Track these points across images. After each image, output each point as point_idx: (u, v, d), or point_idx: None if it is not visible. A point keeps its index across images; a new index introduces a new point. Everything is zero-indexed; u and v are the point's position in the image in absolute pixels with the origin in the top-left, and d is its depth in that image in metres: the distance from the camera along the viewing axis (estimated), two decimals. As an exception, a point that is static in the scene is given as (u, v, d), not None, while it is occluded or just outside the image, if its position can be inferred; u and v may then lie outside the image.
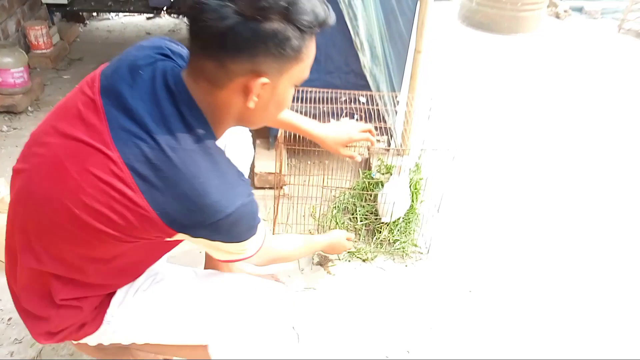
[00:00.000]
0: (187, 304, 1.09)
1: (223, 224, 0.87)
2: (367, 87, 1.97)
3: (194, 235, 0.89)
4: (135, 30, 3.89)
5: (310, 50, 0.90)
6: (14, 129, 2.51)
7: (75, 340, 1.09)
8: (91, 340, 1.08)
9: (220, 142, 0.95)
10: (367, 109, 1.86)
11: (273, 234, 1.90)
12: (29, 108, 2.68)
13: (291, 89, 0.95)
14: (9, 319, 1.53)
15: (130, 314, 1.07)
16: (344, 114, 1.84)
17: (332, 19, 0.87)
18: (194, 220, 0.86)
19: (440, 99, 3.03)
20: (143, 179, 0.83)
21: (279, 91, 0.92)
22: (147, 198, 0.83)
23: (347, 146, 1.54)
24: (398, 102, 2.09)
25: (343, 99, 1.86)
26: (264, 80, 0.85)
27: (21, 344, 1.46)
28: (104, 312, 1.05)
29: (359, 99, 1.90)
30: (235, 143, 1.30)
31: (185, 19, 0.86)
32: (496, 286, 1.79)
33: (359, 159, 1.58)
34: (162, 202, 0.83)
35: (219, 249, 0.96)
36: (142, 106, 0.86)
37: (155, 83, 0.88)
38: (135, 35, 3.81)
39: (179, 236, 0.90)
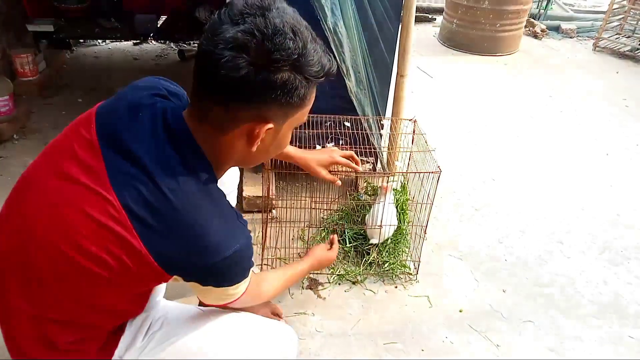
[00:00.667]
0: (200, 349, 1.06)
1: (219, 267, 0.88)
2: (353, 110, 2.00)
3: (188, 278, 0.90)
4: (122, 56, 3.91)
5: (312, 96, 0.93)
6: (0, 157, 2.49)
7: None
8: None
9: None
10: (352, 133, 1.89)
11: (262, 258, 1.90)
12: (15, 136, 2.67)
13: (291, 131, 0.99)
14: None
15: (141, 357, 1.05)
16: (329, 139, 1.87)
17: (335, 68, 0.91)
18: (190, 262, 0.86)
19: (423, 121, 3.08)
20: (140, 221, 0.83)
21: (281, 134, 0.95)
22: (143, 240, 0.82)
23: (330, 171, 1.57)
24: (382, 125, 2.12)
25: (328, 123, 1.89)
26: (269, 126, 0.88)
27: None
28: (112, 352, 1.02)
29: (344, 123, 1.93)
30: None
31: (193, 65, 0.86)
32: (486, 305, 1.81)
33: (339, 183, 1.60)
34: (159, 244, 0.83)
35: (209, 293, 0.97)
36: (142, 147, 0.86)
37: (155, 124, 0.89)
38: (122, 60, 3.83)
39: (172, 280, 0.90)
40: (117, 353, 1.03)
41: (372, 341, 1.64)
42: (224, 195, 0.94)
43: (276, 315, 1.62)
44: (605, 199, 2.46)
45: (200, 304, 1.32)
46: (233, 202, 1.54)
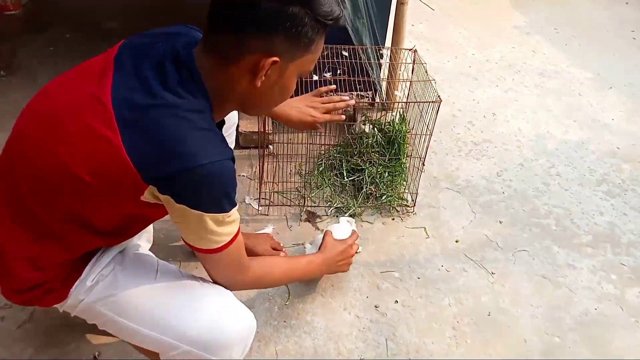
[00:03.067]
0: (147, 306, 1.04)
1: (192, 177, 0.85)
2: (349, 41, 1.93)
3: (162, 191, 0.87)
4: (108, -11, 3.72)
5: (319, 46, 0.96)
6: (-13, 94, 2.43)
7: (42, 306, 1.10)
8: (59, 307, 1.08)
9: None
10: (350, 62, 1.83)
11: (260, 192, 1.90)
12: (1, 72, 2.59)
13: (295, 78, 0.99)
14: (-2, 284, 1.52)
15: (93, 296, 1.04)
16: (326, 68, 1.81)
17: (343, 19, 0.96)
18: (165, 167, 0.84)
19: (423, 54, 2.98)
20: (125, 123, 0.84)
21: (286, 76, 0.96)
22: (124, 140, 0.83)
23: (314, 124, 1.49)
24: (382, 55, 2.05)
25: (325, 53, 1.82)
26: (275, 59, 0.89)
27: (11, 308, 1.47)
28: (72, 283, 1.03)
29: (341, 53, 1.86)
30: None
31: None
32: (482, 236, 1.83)
33: (319, 127, 1.50)
34: (138, 145, 0.83)
35: (187, 222, 0.92)
36: (147, 67, 0.90)
37: (166, 51, 0.92)
38: (107, -6, 3.65)
39: (148, 194, 0.88)
40: (77, 286, 1.03)
41: (369, 270, 1.66)
42: (213, 123, 0.92)
43: (275, 249, 1.64)
44: (606, 133, 2.43)
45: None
46: (232, 144, 1.50)
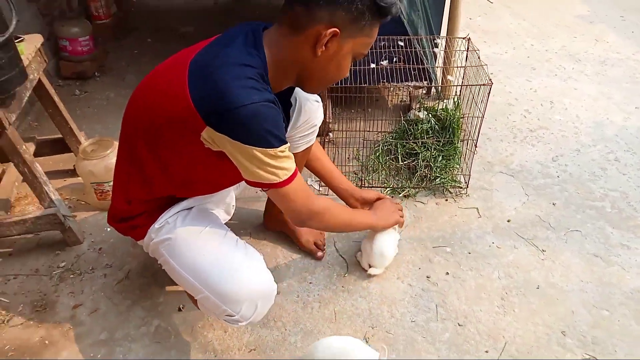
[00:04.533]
0: (188, 253, 1.25)
1: (239, 115, 1.02)
2: (405, 33, 2.05)
3: (218, 129, 1.05)
4: (184, -3, 4.08)
5: (374, 31, 1.13)
6: (85, 92, 2.78)
7: (132, 237, 1.39)
8: (141, 244, 1.37)
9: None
10: (406, 51, 1.95)
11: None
12: (96, 73, 2.94)
13: (350, 58, 1.15)
14: (100, 249, 1.79)
15: (158, 238, 1.29)
16: (383, 57, 1.94)
17: (398, 9, 1.11)
18: (215, 105, 1.03)
19: (482, 46, 3.03)
20: (192, 74, 1.07)
21: (343, 52, 1.12)
22: (190, 86, 1.05)
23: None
24: (437, 44, 2.16)
25: (382, 43, 1.96)
26: (335, 29, 1.06)
27: (111, 267, 1.72)
28: (150, 225, 1.30)
29: (397, 43, 1.99)
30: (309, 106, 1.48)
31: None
32: (534, 216, 1.89)
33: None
34: (198, 89, 1.05)
35: (246, 159, 1.08)
36: (222, 40, 1.13)
37: (241, 31, 1.13)
38: (184, 2, 4.00)
39: (206, 134, 1.07)
40: (152, 227, 1.30)
41: (422, 244, 1.78)
42: (261, 82, 1.09)
43: (317, 245, 1.74)
44: (672, 119, 2.38)
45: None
46: (311, 142, 1.59)
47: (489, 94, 1.72)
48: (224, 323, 1.31)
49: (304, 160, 1.65)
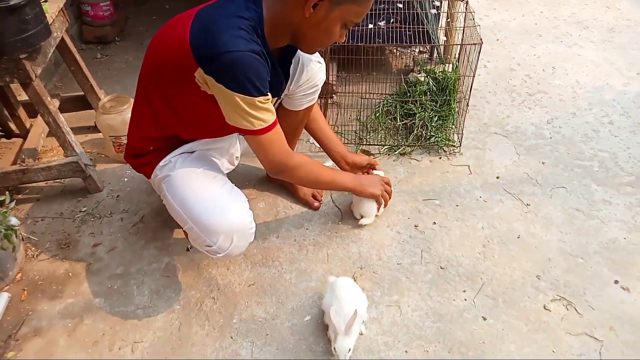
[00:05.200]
0: (181, 188, 1.41)
1: (225, 59, 1.14)
2: (406, -4, 2.12)
3: (207, 72, 1.17)
4: (201, -35, 4.15)
5: (366, 1, 1.21)
6: (106, 55, 2.94)
7: (139, 172, 1.59)
8: (151, 182, 1.55)
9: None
10: (404, 12, 2.03)
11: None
12: (116, 38, 3.09)
13: (339, 24, 1.24)
14: (117, 196, 1.97)
15: (161, 174, 1.46)
16: (381, 17, 2.02)
17: None
18: (206, 49, 1.16)
19: (489, 16, 3.06)
20: (193, 23, 1.21)
21: (331, 17, 1.21)
22: (191, 32, 1.18)
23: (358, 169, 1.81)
24: (435, 6, 2.22)
25: (381, 6, 2.04)
26: None
27: (128, 212, 1.90)
28: (158, 162, 1.47)
29: (396, 5, 2.06)
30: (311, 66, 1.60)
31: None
32: (522, 174, 1.98)
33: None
34: (195, 34, 1.19)
35: (227, 102, 1.21)
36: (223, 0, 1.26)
37: None
38: (201, -31, 4.08)
39: (199, 75, 1.20)
40: (158, 166, 1.48)
41: (412, 197, 1.90)
42: (252, 34, 1.20)
43: (314, 197, 1.88)
44: (673, 85, 2.41)
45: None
46: (313, 101, 1.71)
47: (479, 53, 1.80)
48: (207, 254, 1.46)
49: (305, 118, 1.77)
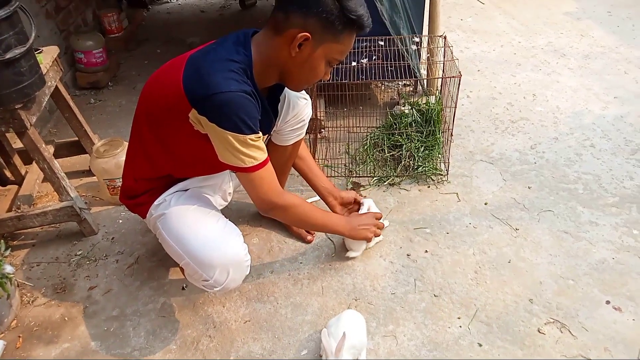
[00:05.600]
0: (176, 225, 1.44)
1: (216, 100, 1.20)
2: (388, 34, 2.22)
3: (200, 112, 1.23)
4: (191, 10, 4.31)
5: (348, 40, 1.28)
6: (99, 100, 3.01)
7: (134, 212, 1.60)
8: (146, 222, 1.57)
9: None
10: (385, 50, 2.12)
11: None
12: (109, 83, 3.17)
13: (323, 62, 1.31)
14: (112, 238, 1.99)
15: (157, 213, 1.49)
16: (363, 55, 2.11)
17: (369, 22, 1.27)
18: (199, 91, 1.22)
19: (471, 46, 3.18)
20: (187, 67, 1.27)
21: (315, 56, 1.28)
22: (184, 75, 1.25)
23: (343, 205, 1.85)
24: (415, 42, 2.32)
25: (364, 44, 2.13)
26: (307, 34, 1.23)
27: (123, 254, 1.91)
28: (152, 203, 1.50)
29: (378, 43, 2.15)
30: (297, 102, 1.66)
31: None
32: (510, 199, 2.02)
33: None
34: (189, 77, 1.25)
35: (219, 141, 1.27)
36: (214, 45, 1.33)
37: (233, 34, 1.33)
38: (191, 14, 4.23)
39: (192, 116, 1.25)
40: (153, 205, 1.51)
41: (404, 227, 1.93)
42: (242, 75, 1.26)
43: (308, 231, 1.89)
44: (649, 107, 2.49)
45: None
46: (301, 136, 1.77)
47: (458, 84, 1.88)
48: (204, 289, 1.48)
49: (294, 153, 1.82)
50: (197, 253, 1.39)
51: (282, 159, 1.78)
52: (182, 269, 1.56)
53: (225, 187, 1.77)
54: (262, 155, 1.34)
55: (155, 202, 1.50)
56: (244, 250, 1.45)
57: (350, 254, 1.78)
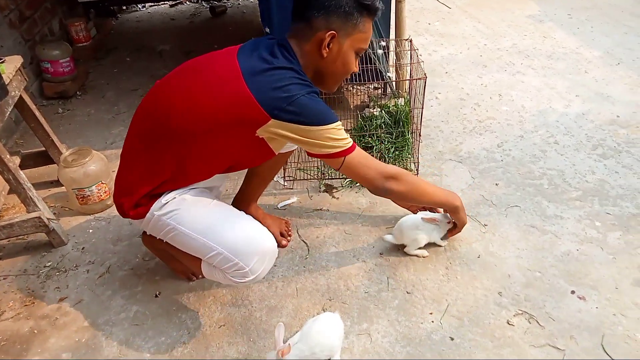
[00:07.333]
0: (201, 218, 1.44)
1: (298, 102, 1.27)
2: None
3: (280, 118, 1.28)
4: (161, 18, 4.29)
5: (367, 26, 1.39)
6: (67, 110, 2.96)
7: (130, 214, 1.48)
8: (141, 225, 1.51)
9: None
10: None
11: (284, 170, 2.24)
12: (78, 92, 3.13)
13: (353, 53, 1.41)
14: (83, 248, 1.95)
15: (163, 211, 1.44)
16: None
17: (381, 9, 1.41)
18: (277, 99, 1.27)
19: (439, 51, 3.25)
20: (250, 79, 1.30)
21: (344, 49, 1.39)
22: (251, 89, 1.27)
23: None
24: (384, 46, 2.36)
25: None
26: (333, 32, 1.34)
27: (94, 264, 1.88)
28: (152, 204, 1.44)
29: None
30: None
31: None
32: (478, 196, 2.07)
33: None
34: (261, 91, 1.27)
35: (316, 138, 1.33)
36: (262, 50, 1.37)
37: (273, 42, 1.40)
38: (161, 22, 4.21)
39: (266, 128, 1.30)
40: (154, 206, 1.45)
41: (376, 226, 1.96)
42: (305, 79, 1.35)
43: (282, 235, 1.90)
44: (608, 105, 2.59)
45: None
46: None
47: (424, 86, 1.92)
48: (230, 282, 1.46)
49: (284, 159, 1.89)
50: (235, 242, 1.41)
51: (271, 163, 1.77)
52: (190, 263, 1.58)
53: (221, 189, 1.78)
54: (350, 139, 1.42)
55: (162, 200, 1.44)
56: (275, 242, 1.49)
57: (419, 252, 1.80)
